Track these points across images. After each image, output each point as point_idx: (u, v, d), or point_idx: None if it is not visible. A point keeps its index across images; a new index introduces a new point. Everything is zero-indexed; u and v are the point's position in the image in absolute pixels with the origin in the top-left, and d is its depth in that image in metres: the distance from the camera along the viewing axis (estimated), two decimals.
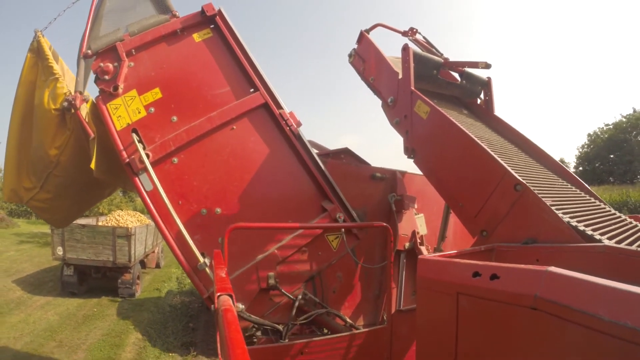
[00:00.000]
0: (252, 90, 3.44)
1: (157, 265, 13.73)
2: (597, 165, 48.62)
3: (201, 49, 3.44)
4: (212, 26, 3.53)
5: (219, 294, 1.41)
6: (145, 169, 2.89)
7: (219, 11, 3.51)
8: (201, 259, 2.74)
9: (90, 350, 6.21)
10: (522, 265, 1.51)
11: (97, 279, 10.00)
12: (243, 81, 3.46)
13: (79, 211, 4.58)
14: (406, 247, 3.32)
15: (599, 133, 50.62)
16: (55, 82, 3.31)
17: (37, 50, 3.51)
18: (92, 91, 3.52)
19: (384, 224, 3.07)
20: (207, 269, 2.74)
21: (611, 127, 48.91)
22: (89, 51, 3.16)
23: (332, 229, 3.30)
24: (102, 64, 3.11)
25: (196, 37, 3.47)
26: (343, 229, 3.25)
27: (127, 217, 11.51)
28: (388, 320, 3.02)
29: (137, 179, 2.94)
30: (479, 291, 1.55)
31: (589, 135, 52.12)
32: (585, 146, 52.24)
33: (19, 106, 3.59)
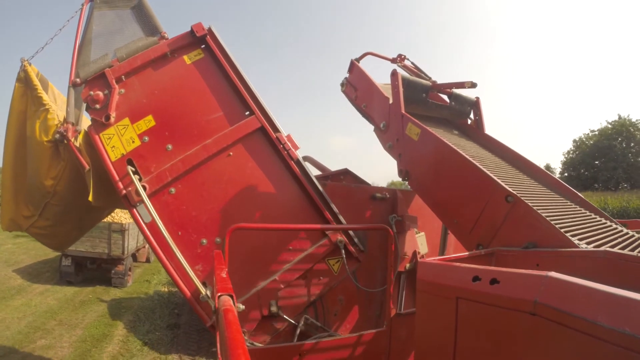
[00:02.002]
0: (247, 113, 3.35)
1: (147, 260, 14.48)
2: (582, 171, 49.43)
3: (192, 72, 3.35)
4: (203, 46, 3.42)
5: (219, 294, 1.39)
6: (143, 202, 2.83)
7: (210, 30, 3.38)
8: (202, 290, 2.68)
9: (87, 328, 7.07)
10: (522, 270, 1.49)
11: (92, 270, 10.79)
12: (238, 104, 3.37)
13: (79, 235, 4.62)
14: (407, 268, 3.27)
15: (584, 139, 51.48)
16: (46, 113, 3.25)
17: (25, 80, 3.43)
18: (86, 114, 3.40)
19: (385, 226, 3.08)
20: (210, 300, 2.68)
21: (596, 133, 49.70)
22: (78, 79, 3.08)
23: (332, 253, 3.30)
24: (92, 93, 3.03)
25: (187, 58, 3.36)
26: (344, 255, 3.23)
27: (121, 214, 12.24)
28: (387, 323, 2.99)
29: (134, 210, 2.90)
30: (479, 296, 1.53)
31: (574, 141, 52.88)
32: (571, 152, 53.02)
33: (12, 136, 3.53)
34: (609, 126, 48.46)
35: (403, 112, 3.58)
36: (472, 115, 4.51)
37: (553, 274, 1.35)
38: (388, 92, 3.96)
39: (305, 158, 6.14)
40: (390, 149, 3.75)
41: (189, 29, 3.37)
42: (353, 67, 4.82)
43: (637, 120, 46.67)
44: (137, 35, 3.39)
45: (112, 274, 10.50)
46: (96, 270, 10.80)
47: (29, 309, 8.19)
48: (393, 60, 5.24)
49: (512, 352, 1.44)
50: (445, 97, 4.47)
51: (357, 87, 4.63)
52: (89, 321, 7.49)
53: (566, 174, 52.25)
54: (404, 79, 3.84)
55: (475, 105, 4.42)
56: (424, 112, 4.17)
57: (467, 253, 2.38)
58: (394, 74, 3.82)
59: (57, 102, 3.76)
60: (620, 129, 46.97)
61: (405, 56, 5.26)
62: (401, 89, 3.70)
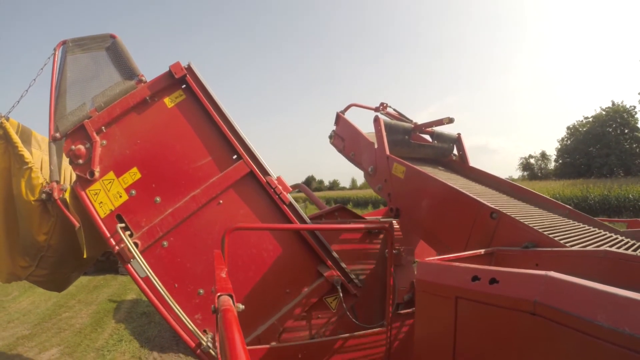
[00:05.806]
0: (234, 157, 3.25)
1: None
2: (577, 157, 49.98)
3: (175, 116, 3.20)
4: (183, 86, 3.26)
5: (219, 294, 1.39)
6: (135, 258, 2.80)
7: (189, 68, 3.22)
8: (203, 341, 2.68)
9: (100, 304, 8.92)
10: (522, 270, 1.48)
11: (102, 262, 12.58)
12: (224, 148, 3.24)
13: (78, 275, 4.66)
14: (405, 299, 3.25)
15: (577, 126, 51.93)
16: (30, 172, 3.17)
17: (4, 137, 3.32)
18: None
19: (384, 225, 3.11)
20: (212, 350, 2.68)
21: (590, 120, 50.08)
22: (57, 134, 2.98)
23: (330, 292, 3.26)
24: (73, 147, 2.93)
25: (168, 101, 3.22)
26: (341, 294, 3.20)
27: None
28: (387, 322, 3.01)
29: (129, 266, 2.86)
30: (478, 295, 1.53)
31: (568, 128, 53.37)
32: (565, 139, 53.51)
33: None
34: (603, 113, 48.78)
35: (388, 154, 3.79)
36: (455, 151, 4.71)
37: (553, 273, 1.36)
38: (373, 139, 4.18)
39: (297, 186, 6.31)
40: (380, 190, 3.94)
41: (168, 70, 3.22)
42: (339, 119, 5.08)
43: (631, 106, 46.92)
44: (113, 79, 3.25)
45: (120, 265, 12.30)
46: (106, 262, 12.55)
47: (53, 293, 10.05)
48: (376, 109, 5.55)
49: (512, 351, 1.44)
50: (428, 137, 4.68)
51: (344, 138, 4.89)
52: (101, 300, 9.35)
53: (561, 161, 52.95)
54: (386, 124, 4.09)
55: (457, 141, 4.66)
56: (408, 154, 4.37)
57: (466, 253, 2.36)
58: (376, 119, 4.06)
59: (42, 147, 3.73)
60: (614, 116, 47.32)
61: (387, 104, 5.61)
62: (384, 133, 3.93)
